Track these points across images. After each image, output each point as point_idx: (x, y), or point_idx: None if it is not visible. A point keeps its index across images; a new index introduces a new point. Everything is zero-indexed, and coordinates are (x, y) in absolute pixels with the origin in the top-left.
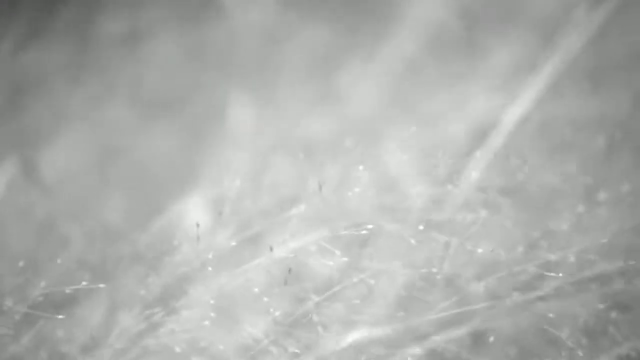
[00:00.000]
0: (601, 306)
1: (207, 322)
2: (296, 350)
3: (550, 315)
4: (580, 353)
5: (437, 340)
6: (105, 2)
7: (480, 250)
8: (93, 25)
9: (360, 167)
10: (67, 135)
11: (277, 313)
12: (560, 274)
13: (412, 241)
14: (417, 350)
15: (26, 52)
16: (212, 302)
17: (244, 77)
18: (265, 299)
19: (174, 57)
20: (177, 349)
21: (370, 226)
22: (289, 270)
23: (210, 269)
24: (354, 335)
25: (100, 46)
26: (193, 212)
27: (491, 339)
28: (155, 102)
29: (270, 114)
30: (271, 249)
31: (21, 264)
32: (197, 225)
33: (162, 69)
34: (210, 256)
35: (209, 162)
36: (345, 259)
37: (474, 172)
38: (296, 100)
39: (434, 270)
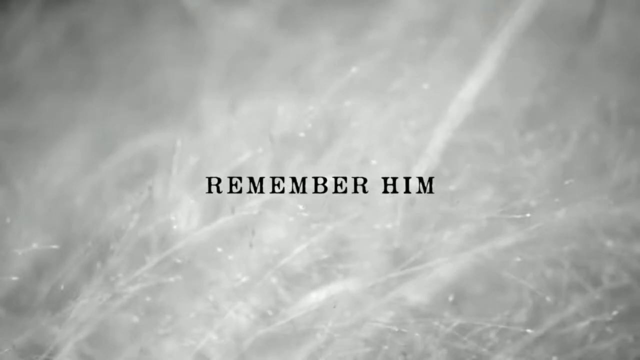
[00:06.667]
0: (564, 248)
1: (170, 287)
2: (266, 311)
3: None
4: (549, 299)
5: (404, 295)
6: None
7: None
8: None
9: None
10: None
11: (240, 274)
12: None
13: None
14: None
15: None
16: (178, 261)
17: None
18: (230, 257)
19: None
20: (137, 319)
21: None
22: (252, 232)
23: (175, 227)
24: (319, 295)
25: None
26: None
27: (454, 293)
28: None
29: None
30: (233, 211)
31: None
32: (150, 187)
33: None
34: (172, 217)
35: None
36: (306, 214)
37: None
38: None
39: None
